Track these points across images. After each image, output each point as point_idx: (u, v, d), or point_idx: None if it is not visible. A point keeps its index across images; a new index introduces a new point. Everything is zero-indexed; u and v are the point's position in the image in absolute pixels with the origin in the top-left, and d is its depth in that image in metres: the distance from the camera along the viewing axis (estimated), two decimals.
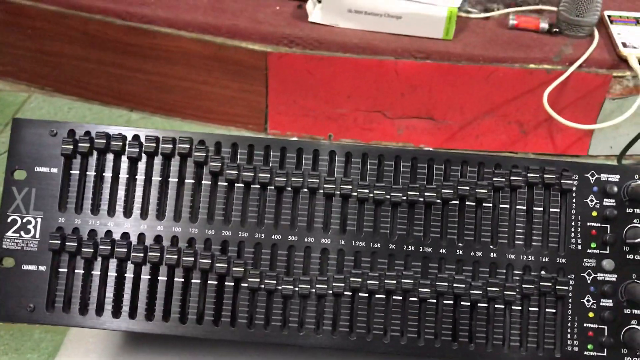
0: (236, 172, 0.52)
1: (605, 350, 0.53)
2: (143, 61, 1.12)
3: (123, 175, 0.52)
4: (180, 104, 1.14)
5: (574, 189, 0.55)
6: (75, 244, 0.50)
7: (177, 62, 1.10)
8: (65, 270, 0.51)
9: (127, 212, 0.52)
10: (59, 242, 0.50)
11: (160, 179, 0.52)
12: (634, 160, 1.11)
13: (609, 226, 0.54)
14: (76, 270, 0.51)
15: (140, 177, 0.52)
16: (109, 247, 0.50)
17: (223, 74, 1.09)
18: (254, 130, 1.13)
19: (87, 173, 0.52)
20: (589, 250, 0.54)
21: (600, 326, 0.53)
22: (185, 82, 1.12)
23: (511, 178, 0.54)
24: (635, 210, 0.55)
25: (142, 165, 0.52)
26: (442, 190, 0.53)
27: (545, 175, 0.54)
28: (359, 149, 0.55)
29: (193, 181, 0.52)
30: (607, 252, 0.54)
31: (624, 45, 1.05)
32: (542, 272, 0.53)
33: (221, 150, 0.53)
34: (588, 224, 0.55)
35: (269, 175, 0.52)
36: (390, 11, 1.06)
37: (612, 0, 1.25)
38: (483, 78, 1.04)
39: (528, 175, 0.54)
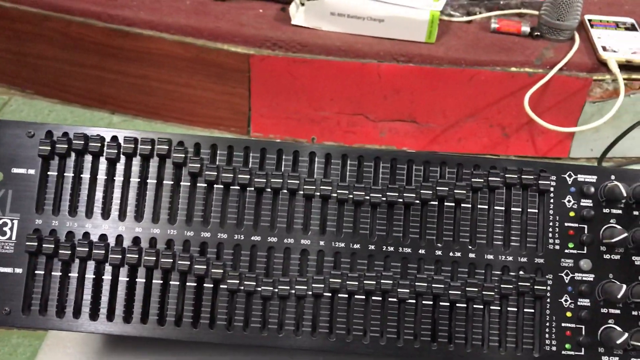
0: (215, 173, 0.52)
1: (583, 349, 0.53)
2: (125, 63, 1.11)
3: (101, 176, 0.52)
4: (162, 107, 1.14)
5: (552, 189, 0.55)
6: (52, 246, 0.49)
7: (159, 65, 1.10)
8: (42, 272, 0.50)
9: (105, 214, 0.51)
10: (36, 244, 0.50)
11: (139, 180, 0.52)
12: (614, 162, 1.12)
13: (586, 226, 0.55)
14: (53, 273, 0.50)
15: (118, 178, 0.52)
16: (87, 249, 0.50)
17: (205, 77, 1.09)
18: (236, 133, 1.13)
19: (65, 174, 0.52)
20: (566, 251, 0.55)
21: (577, 325, 0.54)
22: (168, 84, 1.11)
23: (489, 179, 0.54)
24: (611, 210, 0.55)
25: (120, 167, 0.52)
26: (421, 191, 0.53)
27: (523, 176, 0.55)
28: (338, 150, 0.55)
29: (172, 182, 0.52)
30: (585, 252, 0.55)
31: (604, 49, 1.06)
32: (521, 272, 0.54)
33: (200, 151, 0.53)
34: (566, 224, 0.55)
35: (248, 177, 0.52)
36: (373, 14, 1.06)
37: (593, 5, 1.27)
38: (465, 81, 1.05)
39: (506, 176, 0.55)
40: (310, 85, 1.07)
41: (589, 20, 1.15)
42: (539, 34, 1.11)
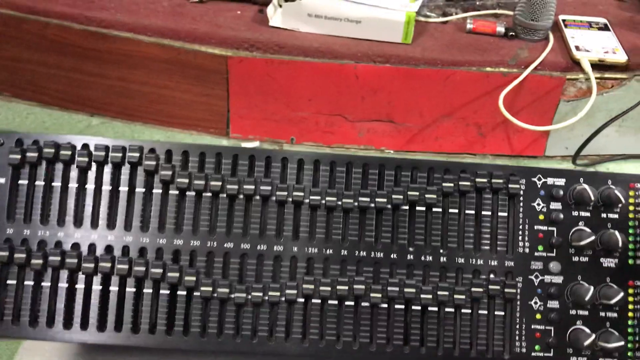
0: (187, 181, 0.52)
1: (552, 350, 0.54)
2: (102, 66, 1.11)
3: (72, 184, 0.52)
4: (141, 109, 1.13)
5: (522, 193, 0.56)
6: (24, 255, 0.50)
7: (137, 67, 1.09)
8: (15, 282, 0.50)
9: (77, 222, 0.52)
10: (7, 253, 0.50)
11: (111, 188, 0.52)
12: (588, 160, 1.14)
13: (555, 229, 0.56)
14: (26, 282, 0.51)
15: (90, 186, 0.52)
16: (59, 258, 0.50)
17: (183, 78, 1.09)
18: (215, 135, 1.13)
19: (36, 183, 0.52)
20: (536, 253, 0.56)
21: (547, 327, 0.55)
22: (146, 86, 1.11)
23: (460, 183, 0.55)
24: (580, 213, 0.56)
25: (92, 175, 0.52)
26: (393, 196, 0.54)
27: (493, 180, 0.55)
28: (311, 156, 0.56)
29: (144, 190, 0.53)
30: (554, 254, 0.56)
31: (577, 48, 1.08)
32: (491, 276, 0.54)
33: (172, 158, 0.53)
34: (535, 227, 0.56)
35: (220, 183, 0.53)
36: (350, 16, 1.06)
37: (567, 5, 1.28)
38: (441, 81, 1.05)
39: (476, 180, 0.55)
40: (288, 86, 1.07)
41: (563, 21, 1.17)
42: (513, 34, 1.12)
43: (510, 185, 0.56)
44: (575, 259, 0.56)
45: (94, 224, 0.52)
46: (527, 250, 0.56)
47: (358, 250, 0.54)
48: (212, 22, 1.10)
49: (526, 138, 1.11)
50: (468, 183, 0.55)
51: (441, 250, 0.55)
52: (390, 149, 1.13)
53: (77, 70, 1.12)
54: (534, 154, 1.13)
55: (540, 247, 0.56)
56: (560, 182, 0.57)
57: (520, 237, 0.56)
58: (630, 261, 0.56)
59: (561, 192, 0.57)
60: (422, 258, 0.55)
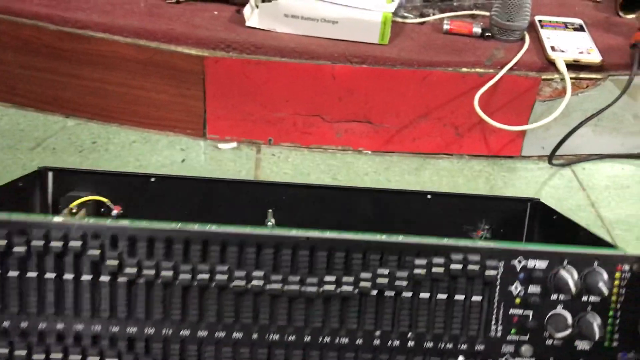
0: (135, 270, 0.49)
1: None
2: (78, 67, 1.10)
3: (13, 273, 0.49)
4: (117, 110, 1.13)
5: (499, 277, 0.52)
6: None
7: (113, 67, 1.09)
8: None
9: (23, 311, 0.49)
10: None
11: (55, 275, 0.50)
12: (564, 160, 1.14)
13: (531, 312, 0.52)
14: None
15: (31, 274, 0.50)
16: (7, 350, 0.48)
17: (160, 79, 1.08)
18: (192, 136, 1.12)
19: None
20: (508, 337, 0.52)
21: None
22: (122, 87, 1.10)
23: (432, 270, 0.51)
24: (560, 297, 0.53)
25: (32, 263, 0.50)
26: (360, 284, 0.50)
27: (468, 268, 0.51)
28: (235, 239, 0.51)
29: (91, 277, 0.50)
30: (527, 337, 0.53)
31: (553, 49, 1.08)
32: (460, 358, 0.52)
33: (118, 244, 0.50)
34: (510, 311, 0.52)
35: (172, 272, 0.50)
36: (327, 16, 1.07)
37: (544, 6, 1.29)
38: (418, 82, 1.06)
39: (450, 267, 0.51)
40: (265, 87, 1.07)
41: (540, 21, 1.18)
42: (490, 34, 1.13)
43: (486, 273, 0.51)
44: (549, 342, 0.53)
45: (40, 312, 0.49)
46: (499, 333, 0.53)
47: (322, 336, 0.52)
48: (189, 23, 1.09)
49: (503, 138, 1.12)
50: (441, 270, 0.51)
51: (409, 334, 0.53)
52: (368, 150, 1.13)
53: (52, 71, 1.12)
54: (511, 154, 1.14)
55: (513, 331, 0.53)
56: (542, 264, 0.53)
57: (493, 321, 0.53)
58: (606, 343, 0.54)
59: (541, 275, 0.53)
60: (389, 343, 0.52)
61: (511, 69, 1.06)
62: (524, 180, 1.09)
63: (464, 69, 1.06)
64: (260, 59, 1.05)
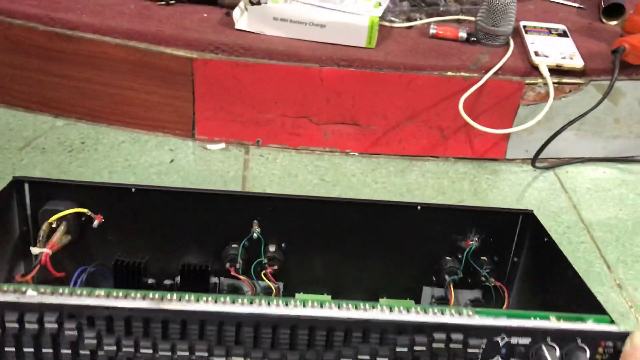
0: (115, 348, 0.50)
1: None
2: (68, 67, 1.11)
3: None
4: (106, 110, 1.13)
5: (480, 355, 0.53)
6: None
7: (103, 68, 1.10)
8: None
9: None
10: None
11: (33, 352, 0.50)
12: (548, 163, 1.17)
13: None
14: None
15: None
16: None
17: (149, 80, 1.09)
18: (181, 136, 1.13)
19: None
20: None
21: None
22: (111, 88, 1.11)
23: (414, 348, 0.51)
24: None
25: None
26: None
27: (451, 346, 0.51)
28: (214, 318, 0.51)
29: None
30: None
31: (536, 54, 1.11)
32: None
33: (95, 322, 0.50)
34: None
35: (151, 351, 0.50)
36: (315, 20, 1.08)
37: (529, 12, 1.32)
38: (404, 85, 1.08)
39: (433, 345, 0.51)
40: (254, 89, 1.08)
41: (524, 27, 1.20)
42: (475, 39, 1.14)
43: (469, 350, 0.51)
44: None
45: None
46: None
47: None
48: (178, 25, 1.11)
49: (487, 141, 1.14)
50: (424, 348, 0.51)
51: None
52: (355, 152, 1.14)
53: (41, 71, 1.12)
54: (495, 157, 1.16)
55: None
56: (525, 341, 0.53)
57: None
58: None
59: (523, 351, 0.54)
60: None
61: (496, 73, 1.08)
62: (507, 183, 1.11)
63: (450, 73, 1.08)
64: (248, 61, 1.06)
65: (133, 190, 0.73)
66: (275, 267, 0.74)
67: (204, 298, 0.52)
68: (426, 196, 1.06)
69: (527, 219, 0.75)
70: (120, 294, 0.52)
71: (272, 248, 0.74)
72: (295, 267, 0.77)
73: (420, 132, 1.13)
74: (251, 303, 0.52)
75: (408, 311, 0.53)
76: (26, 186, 0.73)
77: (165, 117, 1.13)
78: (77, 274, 0.73)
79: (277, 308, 0.52)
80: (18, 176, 0.73)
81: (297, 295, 0.79)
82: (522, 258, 0.76)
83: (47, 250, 0.70)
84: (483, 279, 0.74)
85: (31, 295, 0.50)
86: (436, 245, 0.76)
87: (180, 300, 0.52)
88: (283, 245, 0.75)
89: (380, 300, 0.80)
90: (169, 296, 0.52)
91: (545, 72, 1.07)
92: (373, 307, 0.53)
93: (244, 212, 0.74)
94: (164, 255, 0.76)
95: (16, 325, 0.49)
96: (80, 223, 0.74)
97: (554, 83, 1.07)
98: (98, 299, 0.51)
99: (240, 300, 0.52)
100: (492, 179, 1.12)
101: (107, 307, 0.50)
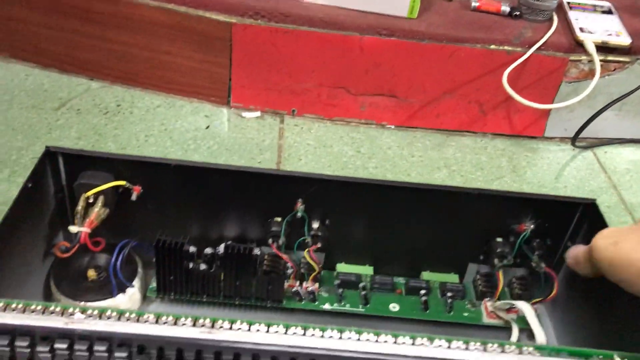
0: None
1: None
2: (105, 29, 1.10)
3: None
4: (141, 74, 1.13)
5: None
6: None
7: (139, 31, 1.08)
8: None
9: None
10: None
11: None
12: (587, 143, 1.15)
13: None
14: None
15: None
16: None
17: (186, 45, 1.08)
18: (216, 103, 1.12)
19: None
20: None
21: None
22: (147, 51, 1.10)
23: None
24: None
25: None
26: None
27: None
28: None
29: None
30: None
31: (581, 30, 1.08)
32: None
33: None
34: None
35: None
36: None
37: None
38: (445, 57, 1.06)
39: None
40: (292, 56, 1.07)
41: (568, 3, 1.17)
42: (518, 13, 1.12)
43: None
44: None
45: None
46: None
47: None
48: None
49: (527, 118, 1.12)
50: None
51: None
52: (391, 124, 1.13)
53: (78, 32, 1.11)
54: (534, 134, 1.14)
55: None
56: None
57: None
58: None
59: None
60: None
61: (539, 48, 1.06)
62: (546, 161, 1.10)
63: (493, 46, 1.05)
64: (288, 28, 1.05)
65: (172, 165, 0.71)
66: (319, 245, 0.73)
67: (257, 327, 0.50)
68: (464, 171, 1.04)
69: (588, 208, 0.72)
70: (170, 318, 0.50)
71: (315, 225, 0.73)
72: (338, 240, 0.76)
73: (459, 107, 1.11)
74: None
75: (466, 346, 0.50)
76: (60, 158, 0.71)
77: (201, 83, 1.12)
78: (118, 248, 0.72)
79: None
80: (51, 146, 0.70)
81: (338, 266, 0.79)
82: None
83: (85, 229, 0.69)
84: (533, 264, 0.73)
85: (79, 318, 0.49)
86: (488, 226, 0.74)
87: (232, 327, 0.50)
88: (327, 222, 0.74)
89: (423, 273, 0.79)
90: (220, 322, 0.50)
91: (591, 48, 1.04)
92: (432, 341, 0.51)
93: (287, 190, 0.72)
94: (204, 229, 0.75)
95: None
96: (117, 195, 0.72)
97: (599, 60, 1.04)
98: (147, 325, 0.49)
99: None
100: (531, 156, 1.10)
101: (158, 337, 0.49)
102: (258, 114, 1.12)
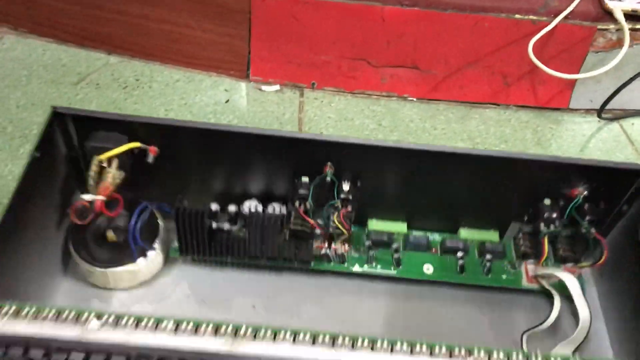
0: None
1: None
2: (123, 3, 1.09)
3: None
4: (160, 48, 1.11)
5: None
6: None
7: (158, 4, 1.07)
8: None
9: None
10: None
11: None
12: (612, 114, 1.12)
13: None
14: None
15: None
16: None
17: (205, 17, 1.06)
18: (235, 77, 1.11)
19: None
20: None
21: None
22: (167, 25, 1.09)
23: None
24: None
25: None
26: None
27: None
28: None
29: None
30: None
31: None
32: None
33: None
34: None
35: None
36: None
37: None
38: (469, 27, 1.03)
39: None
40: (312, 28, 1.05)
41: None
42: None
43: None
44: None
45: None
46: None
47: None
48: None
49: (551, 89, 1.10)
50: None
51: None
52: (413, 97, 1.11)
53: (96, 6, 1.10)
54: (559, 106, 1.12)
55: None
56: None
57: None
58: None
59: None
60: None
61: (566, 17, 1.03)
62: (571, 133, 1.08)
63: (518, 16, 1.03)
64: None
65: (190, 128, 0.67)
66: (349, 209, 0.70)
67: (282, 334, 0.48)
68: (488, 144, 1.03)
69: None
70: (190, 326, 0.48)
71: (346, 187, 0.70)
72: (369, 197, 0.72)
73: (482, 78, 1.09)
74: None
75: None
76: (69, 120, 0.68)
77: (220, 57, 1.10)
78: (137, 213, 0.71)
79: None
80: (58, 107, 0.67)
81: (369, 222, 0.75)
82: (629, 212, 0.72)
83: (100, 198, 0.66)
84: (583, 230, 0.70)
85: (95, 327, 0.47)
86: (536, 188, 0.71)
87: (255, 337, 0.48)
88: (358, 183, 0.71)
89: (461, 230, 0.76)
90: (243, 330, 0.48)
91: (620, 17, 1.01)
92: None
93: (314, 155, 0.69)
94: (227, 189, 0.74)
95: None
96: (132, 158, 0.68)
97: (628, 29, 1.01)
98: (166, 335, 0.47)
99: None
100: (556, 128, 1.08)
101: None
102: (277, 87, 1.10)
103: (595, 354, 0.70)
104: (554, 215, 0.70)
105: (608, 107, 1.10)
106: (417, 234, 0.76)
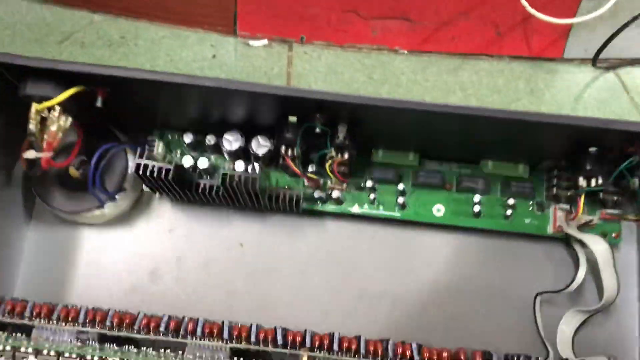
0: None
1: None
2: None
3: None
4: (146, 5, 1.09)
5: None
6: None
7: None
8: None
9: None
10: None
11: None
12: (608, 63, 1.10)
13: None
14: None
15: None
16: None
17: None
18: (222, 32, 1.09)
19: None
20: None
21: None
22: None
23: None
24: None
25: None
26: None
27: None
28: None
29: None
30: None
31: None
32: None
33: None
34: None
35: None
36: None
37: None
38: None
39: None
40: None
41: None
42: None
43: None
44: None
45: None
46: None
47: None
48: None
49: (545, 38, 1.07)
50: None
51: None
52: (404, 49, 1.09)
53: None
54: (553, 56, 1.10)
55: None
56: None
57: None
58: None
59: None
60: None
61: None
62: (565, 83, 1.06)
63: None
64: None
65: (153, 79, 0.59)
66: (346, 157, 0.63)
67: None
68: (480, 95, 1.01)
69: None
70: None
71: (342, 133, 0.61)
72: (373, 127, 0.62)
73: (474, 29, 1.06)
74: None
75: None
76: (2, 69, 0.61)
77: (206, 12, 1.08)
78: (95, 161, 0.67)
79: None
80: None
81: (374, 154, 0.67)
82: None
83: (46, 155, 0.60)
84: (631, 184, 0.62)
85: None
86: (582, 133, 0.60)
87: None
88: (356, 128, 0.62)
89: (482, 163, 0.66)
90: None
91: None
92: None
93: (304, 106, 0.61)
94: (203, 119, 0.70)
95: None
96: (77, 105, 0.61)
97: None
98: None
99: None
100: (549, 78, 1.06)
101: None
102: (265, 42, 1.08)
103: (618, 331, 0.64)
104: (597, 167, 0.61)
105: (604, 56, 1.08)
106: (430, 166, 0.66)
